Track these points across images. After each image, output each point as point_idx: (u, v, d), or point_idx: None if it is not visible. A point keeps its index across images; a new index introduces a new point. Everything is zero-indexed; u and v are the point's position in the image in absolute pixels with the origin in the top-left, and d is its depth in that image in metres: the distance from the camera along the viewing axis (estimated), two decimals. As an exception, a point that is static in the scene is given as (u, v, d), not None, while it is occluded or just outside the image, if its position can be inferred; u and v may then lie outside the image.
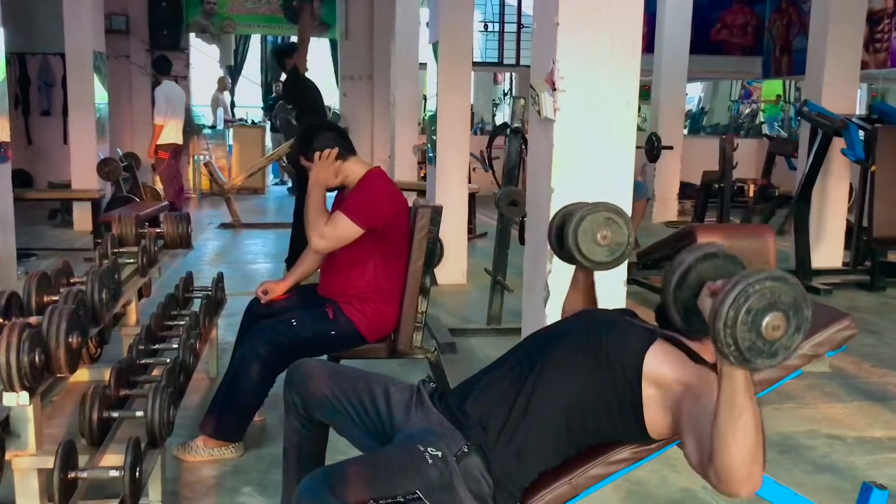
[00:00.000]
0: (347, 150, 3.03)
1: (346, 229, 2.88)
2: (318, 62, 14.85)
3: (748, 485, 1.42)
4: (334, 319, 2.94)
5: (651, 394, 1.65)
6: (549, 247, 2.66)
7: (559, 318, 2.14)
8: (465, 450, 1.71)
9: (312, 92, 6.22)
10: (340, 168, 3.00)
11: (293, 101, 6.22)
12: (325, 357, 2.98)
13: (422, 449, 1.70)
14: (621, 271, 2.77)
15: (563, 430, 1.72)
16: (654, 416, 1.66)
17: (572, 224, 1.92)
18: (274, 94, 12.45)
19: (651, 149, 8.09)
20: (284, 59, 6.25)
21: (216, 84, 12.72)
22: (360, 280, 2.96)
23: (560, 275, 2.66)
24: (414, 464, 1.68)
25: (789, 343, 1.33)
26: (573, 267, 2.12)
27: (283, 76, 6.49)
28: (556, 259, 2.66)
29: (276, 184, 12.96)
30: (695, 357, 1.67)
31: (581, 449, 1.75)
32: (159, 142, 7.90)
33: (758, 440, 1.40)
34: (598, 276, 2.12)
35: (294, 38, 9.76)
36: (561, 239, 2.01)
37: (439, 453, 1.69)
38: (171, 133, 7.97)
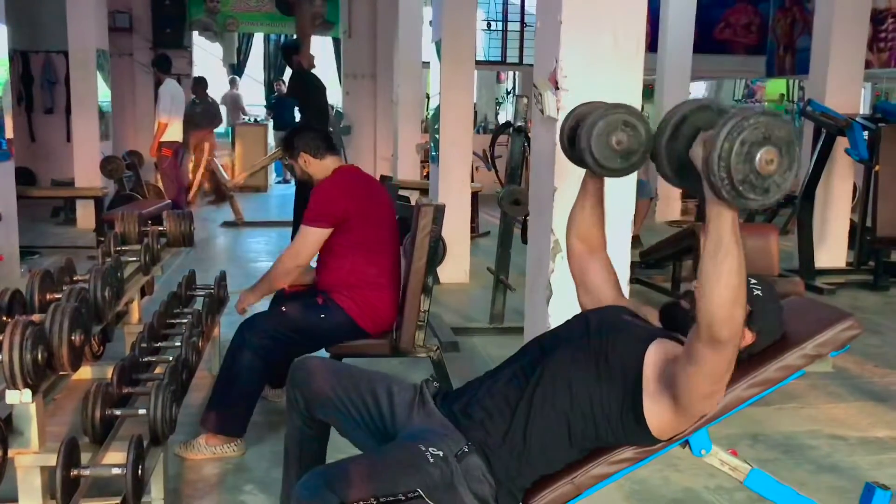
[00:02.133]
0: (323, 149, 3.12)
1: (312, 236, 2.98)
2: (321, 60, 14.86)
3: (729, 325, 1.45)
4: (324, 305, 2.99)
5: (650, 389, 1.67)
6: (551, 247, 2.67)
7: (561, 318, 2.13)
8: (466, 450, 1.71)
9: (316, 91, 6.24)
10: (310, 163, 3.13)
11: (297, 98, 6.22)
12: (324, 351, 3.02)
13: (423, 448, 1.70)
14: (624, 270, 2.76)
15: (564, 434, 1.72)
16: (653, 409, 1.67)
17: (586, 125, 1.76)
18: (276, 94, 12.46)
19: None
20: (290, 55, 6.24)
21: (228, 84, 12.88)
22: (342, 270, 3.02)
23: (563, 274, 2.65)
24: (415, 463, 1.68)
25: (781, 181, 1.34)
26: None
27: (289, 73, 6.50)
28: (559, 258, 2.66)
29: (280, 182, 12.97)
30: None
31: (583, 453, 1.76)
32: (164, 139, 7.90)
33: (741, 283, 1.43)
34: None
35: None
36: (573, 140, 1.87)
37: (441, 453, 1.69)
38: (175, 131, 7.98)
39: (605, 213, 2.02)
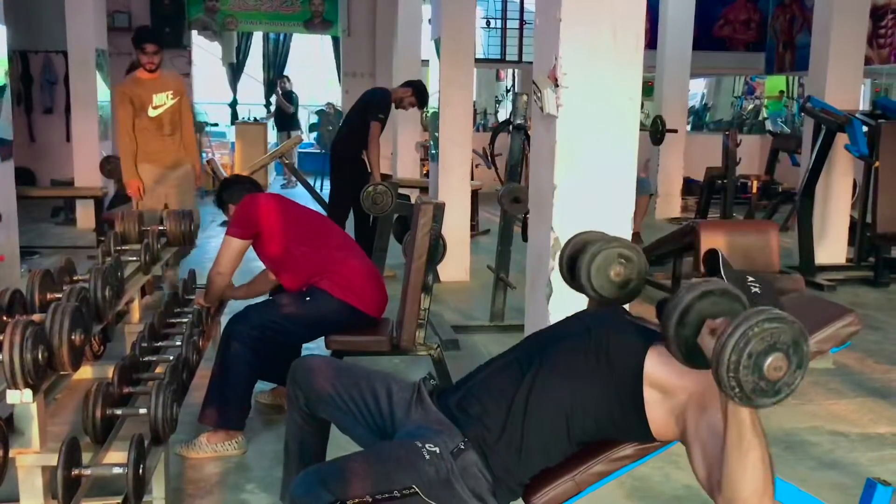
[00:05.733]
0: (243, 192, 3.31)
1: (231, 246, 3.13)
2: (320, 59, 14.86)
3: None
4: (307, 292, 3.04)
5: (653, 397, 1.65)
6: (551, 245, 2.67)
7: (561, 315, 2.13)
8: (462, 446, 1.71)
9: None
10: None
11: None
12: (325, 348, 3.03)
13: (419, 445, 1.70)
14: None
15: (563, 429, 1.72)
16: (658, 419, 1.66)
17: (585, 260, 1.93)
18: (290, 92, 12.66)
19: (656, 132, 8.05)
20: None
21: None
22: (299, 266, 3.10)
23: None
24: (410, 460, 1.68)
25: (791, 380, 1.36)
26: None
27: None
28: (558, 256, 2.67)
29: (284, 185, 12.97)
30: None
31: (583, 447, 1.75)
32: None
33: (766, 475, 1.42)
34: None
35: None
36: (573, 271, 2.04)
37: (437, 449, 1.69)
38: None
39: None
